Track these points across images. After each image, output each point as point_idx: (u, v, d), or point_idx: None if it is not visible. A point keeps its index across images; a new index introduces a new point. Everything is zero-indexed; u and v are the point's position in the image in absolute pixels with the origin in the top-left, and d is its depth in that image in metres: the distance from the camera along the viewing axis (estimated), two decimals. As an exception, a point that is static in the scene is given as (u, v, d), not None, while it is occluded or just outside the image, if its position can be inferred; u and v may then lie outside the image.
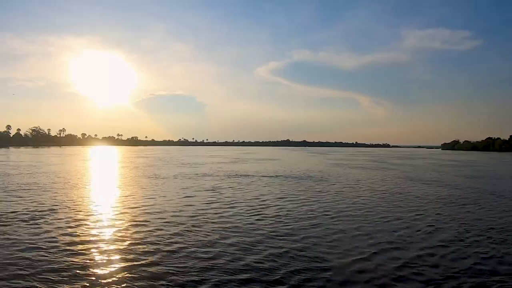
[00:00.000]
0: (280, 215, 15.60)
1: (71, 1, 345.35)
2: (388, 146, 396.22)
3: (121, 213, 15.62)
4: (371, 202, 19.78)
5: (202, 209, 16.68)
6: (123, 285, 7.77)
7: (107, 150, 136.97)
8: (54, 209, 15.92)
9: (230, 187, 25.63)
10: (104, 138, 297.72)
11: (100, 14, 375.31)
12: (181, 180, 29.48)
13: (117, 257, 9.58)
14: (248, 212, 16.33)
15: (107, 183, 28.44)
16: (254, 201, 19.52)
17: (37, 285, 7.68)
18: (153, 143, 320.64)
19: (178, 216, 15.05)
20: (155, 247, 10.41)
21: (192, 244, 10.74)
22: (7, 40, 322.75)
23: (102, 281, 7.98)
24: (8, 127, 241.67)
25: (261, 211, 16.55)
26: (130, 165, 49.06)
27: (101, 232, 12.14)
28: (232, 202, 18.94)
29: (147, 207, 17.25)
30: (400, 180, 32.13)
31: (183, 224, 13.48)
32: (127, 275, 8.31)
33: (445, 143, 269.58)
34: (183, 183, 27.43)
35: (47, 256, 9.46)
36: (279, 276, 8.39)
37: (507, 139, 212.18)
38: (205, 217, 14.96)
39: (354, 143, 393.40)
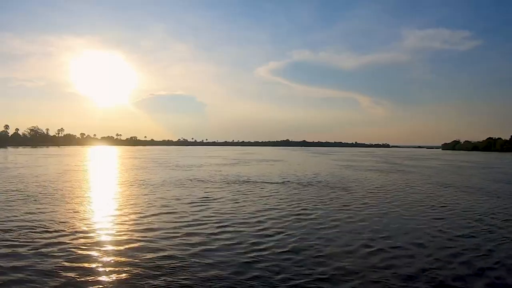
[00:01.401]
0: (310, 248, 9.76)
1: (71, 1, 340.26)
2: (387, 146, 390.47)
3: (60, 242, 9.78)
4: (420, 219, 14.26)
5: (180, 240, 10.82)
6: None
7: (103, 151, 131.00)
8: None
9: (227, 199, 19.75)
10: (103, 138, 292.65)
11: (100, 14, 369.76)
12: (167, 189, 23.60)
13: None
14: (254, 244, 10.51)
15: (70, 194, 22.47)
16: (261, 224, 13.58)
17: None
18: (152, 143, 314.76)
19: (133, 255, 9.19)
20: None
21: None
22: (7, 40, 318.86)
23: None
24: (6, 126, 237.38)
25: (276, 244, 10.70)
26: (117, 168, 43.16)
27: None
28: (229, 225, 13.08)
29: (104, 229, 11.41)
30: (432, 187, 26.34)
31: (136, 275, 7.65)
32: None
33: (445, 143, 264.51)
34: (168, 193, 21.53)
35: None
36: None
37: (508, 139, 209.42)
38: (182, 253, 9.17)
39: (354, 143, 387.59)
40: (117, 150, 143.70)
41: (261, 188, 24.42)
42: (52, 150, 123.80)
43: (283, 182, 27.87)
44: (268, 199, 19.79)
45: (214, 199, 19.34)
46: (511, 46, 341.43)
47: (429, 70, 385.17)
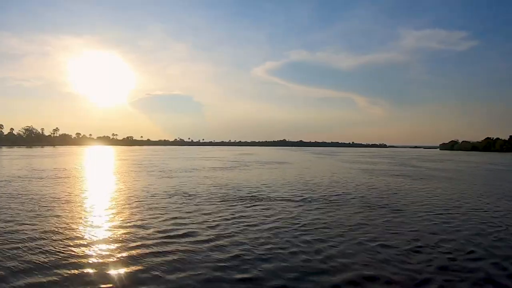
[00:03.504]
0: None
1: (70, 0, 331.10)
2: (384, 146, 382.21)
3: None
4: None
5: None
6: None
7: (94, 151, 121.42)
8: None
9: (226, 241, 10.63)
10: (99, 138, 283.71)
11: (99, 14, 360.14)
12: (133, 211, 14.51)
13: None
14: None
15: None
16: None
17: None
18: (148, 143, 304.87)
19: None
20: None
21: None
22: (5, 40, 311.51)
23: None
24: (1, 126, 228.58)
25: None
26: (85, 174, 33.91)
27: None
28: None
29: None
30: (497, 199, 17.53)
31: None
32: None
33: (443, 144, 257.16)
34: (130, 220, 12.49)
35: None
36: None
37: (507, 139, 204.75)
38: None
39: (351, 143, 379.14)
40: (109, 150, 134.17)
41: (275, 210, 15.43)
42: (43, 150, 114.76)
43: (303, 199, 18.87)
44: (296, 240, 10.79)
45: (200, 242, 10.35)
46: (508, 46, 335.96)
47: (426, 70, 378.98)
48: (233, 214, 14.43)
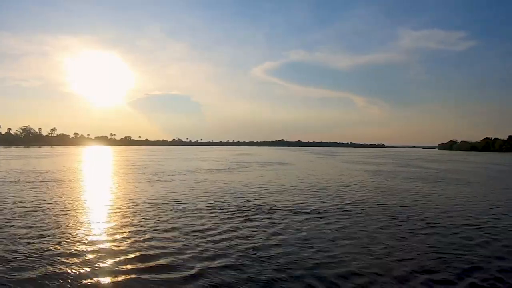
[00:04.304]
0: None
1: (69, 0, 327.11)
2: (383, 146, 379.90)
3: None
4: None
5: None
6: None
7: (90, 151, 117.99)
8: None
9: (231, 277, 7.52)
10: (97, 138, 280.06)
11: (98, 14, 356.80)
12: (97, 228, 11.34)
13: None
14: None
15: None
16: None
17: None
18: (147, 143, 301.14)
19: None
20: None
21: None
22: (3, 39, 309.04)
23: None
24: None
25: None
26: (74, 177, 30.63)
27: None
28: None
29: None
30: None
31: None
32: None
33: (442, 144, 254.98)
34: (85, 243, 9.34)
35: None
36: None
37: (506, 139, 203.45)
38: None
39: (349, 143, 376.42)
40: (106, 150, 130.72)
41: (280, 226, 12.26)
42: (39, 150, 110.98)
43: (313, 209, 15.75)
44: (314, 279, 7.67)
45: (180, 281, 7.21)
46: (506, 46, 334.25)
47: (424, 70, 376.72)
48: (228, 234, 11.27)
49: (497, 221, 13.96)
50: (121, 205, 16.18)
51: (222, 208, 15.70)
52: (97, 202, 17.34)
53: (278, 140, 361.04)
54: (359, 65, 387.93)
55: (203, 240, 10.50)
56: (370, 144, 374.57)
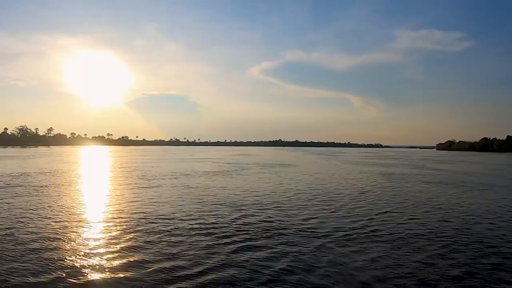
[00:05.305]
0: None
1: (66, 0, 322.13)
2: (380, 146, 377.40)
3: None
4: None
5: None
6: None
7: (86, 151, 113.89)
8: None
9: None
10: (94, 138, 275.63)
11: (94, 13, 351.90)
12: (62, 248, 7.68)
13: None
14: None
15: None
16: None
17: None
18: (144, 143, 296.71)
19: None
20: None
21: None
22: (0, 39, 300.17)
23: None
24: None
25: None
26: (56, 180, 26.78)
27: None
28: None
29: None
30: None
31: None
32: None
33: (440, 144, 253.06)
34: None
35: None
36: None
37: (504, 139, 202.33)
38: None
39: (347, 143, 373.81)
40: (101, 150, 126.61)
41: (295, 259, 8.65)
42: (36, 150, 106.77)
43: (335, 229, 12.12)
44: None
45: None
46: (503, 47, 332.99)
47: (421, 70, 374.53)
48: (215, 273, 7.57)
49: None
50: (91, 218, 12.41)
51: (214, 227, 11.96)
52: (55, 213, 13.56)
53: (276, 140, 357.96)
54: (356, 65, 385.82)
55: (183, 279, 6.80)
56: (368, 144, 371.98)
